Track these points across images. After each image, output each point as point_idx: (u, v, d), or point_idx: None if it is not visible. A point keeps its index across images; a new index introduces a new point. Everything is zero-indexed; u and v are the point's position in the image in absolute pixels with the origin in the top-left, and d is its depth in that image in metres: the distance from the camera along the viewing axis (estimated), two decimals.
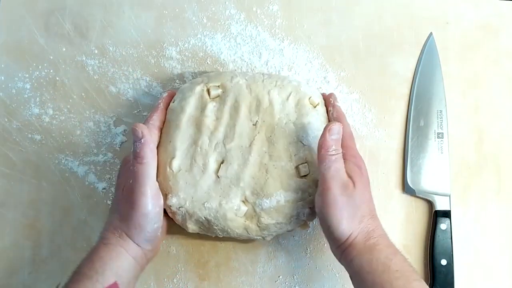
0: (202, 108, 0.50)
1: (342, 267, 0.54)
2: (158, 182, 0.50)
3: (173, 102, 0.52)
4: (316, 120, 0.50)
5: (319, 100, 0.51)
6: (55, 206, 0.55)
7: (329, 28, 0.57)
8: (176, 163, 0.48)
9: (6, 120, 0.56)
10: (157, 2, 0.57)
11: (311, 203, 0.49)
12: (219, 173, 0.48)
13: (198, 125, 0.50)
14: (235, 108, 0.50)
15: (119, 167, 0.50)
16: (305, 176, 0.48)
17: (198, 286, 0.54)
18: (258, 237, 0.50)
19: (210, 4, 0.57)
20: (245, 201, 0.48)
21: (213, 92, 0.51)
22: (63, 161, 0.55)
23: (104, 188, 0.55)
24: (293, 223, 0.49)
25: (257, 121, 0.49)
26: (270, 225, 0.48)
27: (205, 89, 0.51)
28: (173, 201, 0.48)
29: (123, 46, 0.57)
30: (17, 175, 0.55)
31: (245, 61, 0.56)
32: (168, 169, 0.49)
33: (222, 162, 0.48)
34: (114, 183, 0.55)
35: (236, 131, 0.49)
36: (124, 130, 0.56)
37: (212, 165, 0.48)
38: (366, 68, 0.57)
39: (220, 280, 0.54)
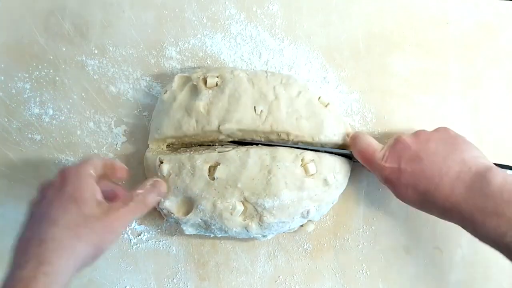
0: (196, 95, 0.49)
1: (342, 267, 0.55)
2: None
3: (165, 93, 0.51)
4: (329, 118, 0.50)
5: (329, 100, 0.51)
6: None
7: (329, 28, 0.57)
8: (165, 168, 0.48)
9: (6, 120, 0.56)
10: (157, 2, 0.57)
11: (316, 202, 0.49)
12: (215, 174, 0.47)
13: (188, 109, 0.49)
14: (235, 97, 0.48)
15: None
16: (312, 174, 0.48)
17: (198, 286, 0.54)
18: (258, 235, 0.50)
19: (210, 4, 0.57)
20: (244, 201, 0.47)
21: (210, 81, 0.49)
22: (63, 161, 0.55)
23: None
24: (296, 221, 0.49)
25: (262, 111, 0.48)
26: (272, 223, 0.48)
27: (201, 77, 0.50)
28: (166, 204, 0.48)
29: (123, 46, 0.57)
30: (17, 175, 0.55)
31: (245, 61, 0.56)
32: (158, 174, 0.48)
33: (218, 164, 0.47)
34: None
35: (234, 116, 0.48)
36: (125, 130, 0.56)
37: (201, 166, 0.47)
38: (366, 68, 0.57)
39: (220, 280, 0.54)
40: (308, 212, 0.48)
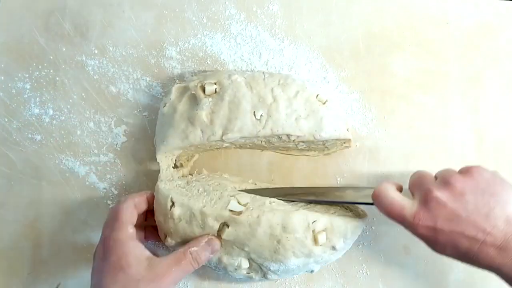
0: (196, 104, 0.49)
1: (342, 267, 0.54)
2: (157, 221, 0.48)
3: (165, 106, 0.51)
4: (328, 115, 0.49)
5: (327, 97, 0.51)
6: (55, 206, 0.55)
7: (329, 28, 0.57)
8: (177, 213, 0.46)
9: (6, 120, 0.56)
10: (157, 2, 0.57)
11: (321, 264, 0.48)
12: (223, 236, 0.45)
13: (191, 119, 0.48)
14: (235, 103, 0.48)
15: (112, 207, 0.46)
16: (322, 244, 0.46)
17: (198, 286, 0.54)
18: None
19: (210, 4, 0.57)
20: (249, 260, 0.47)
21: (208, 88, 0.49)
22: (63, 161, 0.55)
23: (104, 188, 0.55)
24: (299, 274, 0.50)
25: (261, 115, 0.48)
26: (275, 278, 0.49)
27: (199, 85, 0.50)
28: (172, 243, 0.47)
29: (123, 46, 0.57)
30: (17, 175, 0.55)
31: (245, 61, 0.56)
32: (168, 215, 0.46)
33: (227, 225, 0.45)
34: (114, 183, 0.55)
35: (236, 124, 0.47)
36: (125, 130, 0.56)
37: (212, 224, 0.45)
38: (366, 68, 0.57)
39: (220, 280, 0.54)
40: (312, 271, 0.49)
